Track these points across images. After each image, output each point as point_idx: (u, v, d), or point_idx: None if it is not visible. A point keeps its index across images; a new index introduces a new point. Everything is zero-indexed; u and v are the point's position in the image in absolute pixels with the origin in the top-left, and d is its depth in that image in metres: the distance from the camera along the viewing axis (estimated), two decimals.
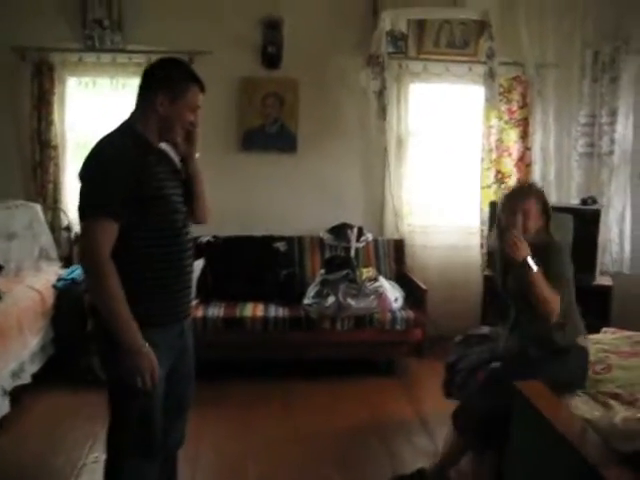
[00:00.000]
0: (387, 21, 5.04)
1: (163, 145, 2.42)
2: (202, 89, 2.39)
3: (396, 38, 5.24)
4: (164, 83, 2.32)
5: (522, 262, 2.92)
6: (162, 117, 2.32)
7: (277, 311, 4.64)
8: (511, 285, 3.18)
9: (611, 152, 5.26)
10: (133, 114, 2.39)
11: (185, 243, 2.41)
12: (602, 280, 4.86)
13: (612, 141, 5.24)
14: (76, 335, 4.51)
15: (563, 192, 5.38)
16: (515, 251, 2.93)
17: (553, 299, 2.93)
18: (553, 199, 5.32)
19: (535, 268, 2.91)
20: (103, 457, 3.38)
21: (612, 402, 2.89)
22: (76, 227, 5.15)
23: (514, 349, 3.18)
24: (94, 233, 2.18)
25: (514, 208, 3.08)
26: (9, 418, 3.75)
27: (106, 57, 5.11)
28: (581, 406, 2.87)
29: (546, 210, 3.13)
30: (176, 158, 2.47)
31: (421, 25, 5.29)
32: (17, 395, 3.95)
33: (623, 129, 5.22)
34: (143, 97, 2.36)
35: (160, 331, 2.32)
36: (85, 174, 2.26)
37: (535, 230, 3.09)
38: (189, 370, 2.58)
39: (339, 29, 5.27)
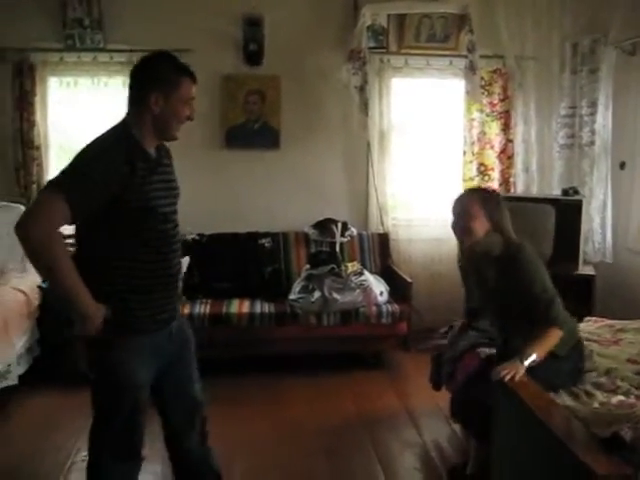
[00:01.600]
0: (367, 16, 5.07)
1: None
2: (194, 80, 2.33)
3: (377, 33, 5.26)
4: (155, 81, 2.26)
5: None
6: (157, 116, 2.26)
7: (263, 307, 4.66)
8: (491, 305, 3.06)
9: (592, 143, 5.29)
10: (127, 117, 2.32)
11: (173, 253, 2.38)
12: (585, 270, 4.90)
13: (592, 132, 5.27)
14: (62, 336, 4.50)
15: (545, 183, 5.42)
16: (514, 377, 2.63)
17: (553, 337, 2.76)
18: (535, 190, 5.38)
19: (534, 359, 2.67)
20: None
21: (594, 391, 2.92)
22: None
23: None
24: (50, 206, 2.09)
25: (454, 212, 2.98)
26: None
27: (87, 56, 5.09)
28: (563, 395, 2.90)
29: (489, 210, 2.88)
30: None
31: (401, 20, 5.30)
32: (4, 396, 3.96)
33: (603, 120, 5.25)
34: (135, 98, 2.29)
35: (144, 338, 2.32)
36: (78, 156, 2.20)
37: (484, 233, 2.87)
38: (190, 371, 2.57)
39: (320, 25, 5.28)
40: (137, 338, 2.29)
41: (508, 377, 2.58)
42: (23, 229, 2.07)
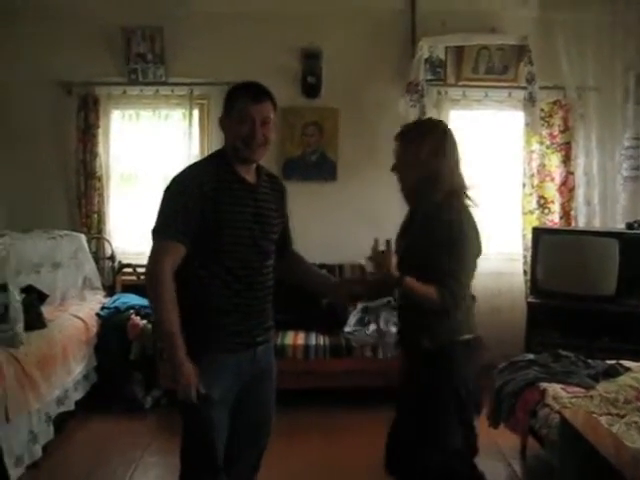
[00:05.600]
0: (425, 48, 5.07)
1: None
2: (254, 99, 2.31)
3: (434, 65, 5.25)
4: (223, 107, 2.38)
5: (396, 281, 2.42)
6: (226, 138, 2.37)
7: (318, 339, 4.63)
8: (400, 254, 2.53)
9: None
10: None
11: (255, 278, 2.39)
12: None
13: None
14: (119, 363, 4.55)
15: (608, 216, 5.28)
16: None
17: (431, 291, 2.40)
18: (597, 224, 5.24)
19: (405, 279, 2.39)
20: None
21: None
22: (119, 256, 5.26)
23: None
24: (156, 253, 2.27)
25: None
26: (53, 444, 3.81)
27: (149, 90, 5.24)
28: (632, 436, 2.78)
29: (414, 155, 2.51)
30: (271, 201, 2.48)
31: (459, 52, 5.29)
32: (61, 422, 4.01)
33: None
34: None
35: (225, 356, 2.34)
36: (162, 196, 2.34)
37: (415, 178, 2.52)
38: (266, 399, 2.57)
39: (377, 57, 5.31)
40: (211, 355, 2.32)
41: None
42: (145, 280, 2.32)
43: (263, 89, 2.37)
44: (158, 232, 2.29)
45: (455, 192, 2.54)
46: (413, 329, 2.55)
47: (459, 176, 2.58)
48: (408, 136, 2.57)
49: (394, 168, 2.60)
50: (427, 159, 2.48)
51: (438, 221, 2.44)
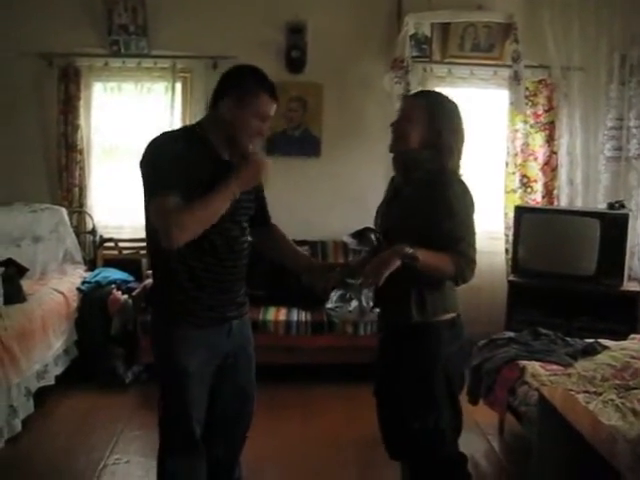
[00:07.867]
0: (411, 25, 5.03)
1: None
2: (274, 98, 2.30)
3: (420, 42, 5.21)
4: (234, 87, 2.28)
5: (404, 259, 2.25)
6: (228, 123, 2.27)
7: (300, 315, 4.64)
8: (391, 225, 2.52)
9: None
10: (203, 119, 2.39)
11: (228, 254, 2.35)
12: (630, 286, 4.77)
13: None
14: (100, 338, 4.54)
15: (590, 196, 5.30)
16: (386, 267, 2.23)
17: (445, 265, 2.32)
18: (579, 203, 5.26)
19: (417, 254, 2.24)
20: (124, 459, 3.45)
21: None
22: (101, 230, 5.22)
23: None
24: (160, 212, 2.16)
25: (399, 109, 2.56)
26: (33, 418, 3.80)
27: (131, 62, 5.16)
28: (609, 413, 2.81)
29: (433, 121, 2.40)
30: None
31: (445, 29, 5.25)
32: (41, 396, 4.00)
33: None
34: (213, 101, 2.34)
35: (198, 332, 2.34)
36: (143, 161, 2.26)
37: (419, 143, 2.42)
38: (245, 374, 2.56)
39: (363, 33, 5.26)
40: (183, 331, 2.33)
41: (381, 276, 2.20)
42: (168, 242, 2.15)
43: (273, 84, 2.33)
44: (155, 193, 2.18)
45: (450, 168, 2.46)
46: (402, 302, 2.43)
47: (458, 157, 2.49)
48: (438, 116, 2.42)
49: (400, 135, 2.46)
50: (440, 127, 2.40)
51: (440, 185, 2.36)
